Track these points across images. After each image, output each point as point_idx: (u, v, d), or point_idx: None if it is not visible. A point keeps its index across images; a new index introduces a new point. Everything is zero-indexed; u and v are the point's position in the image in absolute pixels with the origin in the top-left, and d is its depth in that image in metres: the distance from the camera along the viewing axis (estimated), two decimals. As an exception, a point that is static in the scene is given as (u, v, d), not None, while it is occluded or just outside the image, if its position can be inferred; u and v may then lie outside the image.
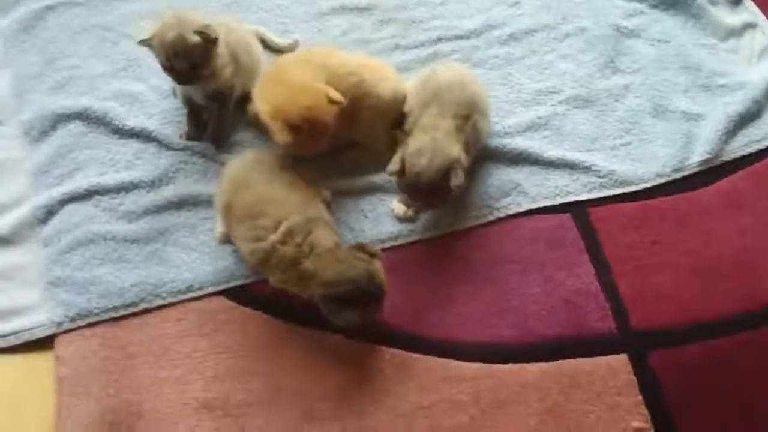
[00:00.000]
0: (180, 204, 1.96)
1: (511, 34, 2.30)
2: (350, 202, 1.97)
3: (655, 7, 2.37)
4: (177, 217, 1.95)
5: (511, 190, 1.99)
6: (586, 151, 2.07)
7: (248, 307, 1.83)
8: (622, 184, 2.01)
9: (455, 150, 1.82)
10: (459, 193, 1.84)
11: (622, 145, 2.09)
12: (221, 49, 1.93)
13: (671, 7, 2.36)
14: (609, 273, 1.87)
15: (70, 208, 1.94)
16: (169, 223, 1.93)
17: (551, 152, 2.05)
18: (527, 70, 2.22)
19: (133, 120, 2.08)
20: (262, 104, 1.85)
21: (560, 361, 1.75)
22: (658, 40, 2.30)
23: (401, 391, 1.72)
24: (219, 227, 1.88)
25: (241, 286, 1.85)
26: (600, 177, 2.01)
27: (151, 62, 2.15)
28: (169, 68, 1.91)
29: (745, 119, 2.12)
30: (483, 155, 2.01)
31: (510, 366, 1.75)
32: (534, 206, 1.97)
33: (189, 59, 1.88)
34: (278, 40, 2.24)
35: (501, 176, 2.01)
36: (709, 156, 2.05)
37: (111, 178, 1.98)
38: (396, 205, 1.95)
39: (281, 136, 1.80)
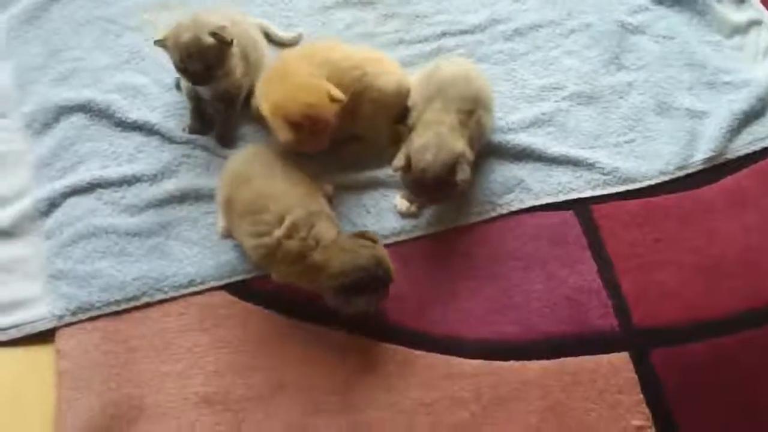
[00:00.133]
0: (182, 198, 1.96)
1: (516, 30, 2.29)
2: (352, 197, 1.97)
3: (660, 3, 2.36)
4: (179, 211, 1.94)
5: (515, 187, 1.98)
6: (590, 147, 2.06)
7: (249, 302, 1.83)
8: (625, 181, 2.00)
9: (460, 145, 1.82)
10: (464, 188, 1.83)
11: (626, 142, 2.08)
12: (234, 49, 1.93)
13: (676, 3, 2.35)
14: (611, 270, 1.87)
15: (72, 201, 1.94)
16: (171, 217, 1.93)
17: (555, 149, 2.04)
18: (531, 66, 2.21)
19: (135, 113, 2.07)
20: (263, 101, 1.85)
21: (562, 359, 1.75)
22: (663, 37, 2.28)
23: (403, 387, 1.71)
24: (221, 222, 1.88)
25: (242, 281, 1.85)
26: (603, 174, 2.01)
27: (154, 55, 2.17)
28: (183, 69, 1.90)
29: (749, 117, 2.11)
30: (486, 151, 2.01)
31: (511, 363, 1.75)
32: (537, 203, 1.97)
33: (203, 61, 1.87)
34: (282, 33, 2.23)
35: (504, 172, 2.01)
36: (714, 154, 2.05)
37: (113, 171, 1.98)
38: (399, 200, 1.94)
39: (282, 133, 1.80)
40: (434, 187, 1.80)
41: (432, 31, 2.28)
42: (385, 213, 1.94)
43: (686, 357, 1.75)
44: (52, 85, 2.14)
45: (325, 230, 1.72)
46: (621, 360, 1.74)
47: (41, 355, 1.76)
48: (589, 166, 2.02)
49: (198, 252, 1.88)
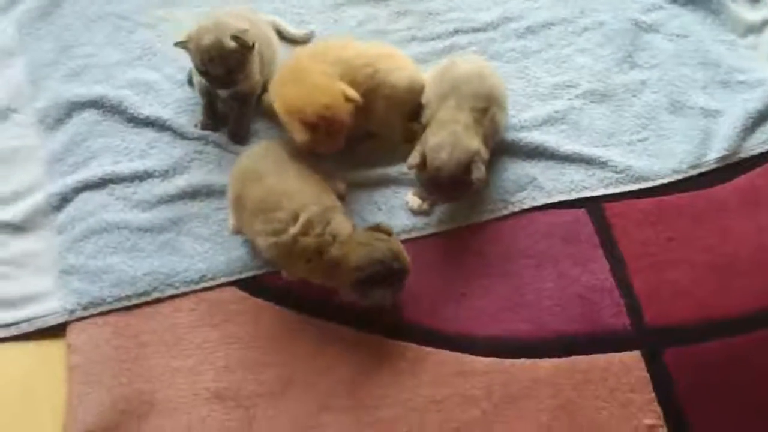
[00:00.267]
0: (194, 194, 1.96)
1: (528, 27, 2.28)
2: (364, 195, 1.97)
3: (674, 1, 2.35)
4: (190, 207, 1.94)
5: (527, 185, 1.97)
6: (603, 146, 2.05)
7: (260, 297, 1.82)
8: (638, 179, 1.99)
9: (475, 143, 1.81)
10: (479, 186, 1.83)
11: (639, 140, 2.07)
12: (254, 52, 1.93)
13: (690, 2, 2.34)
14: (624, 269, 1.86)
15: (84, 196, 1.94)
16: (183, 213, 1.93)
17: (567, 147, 2.03)
18: (544, 64, 2.21)
19: (147, 109, 2.07)
20: (278, 103, 1.86)
21: (573, 357, 1.74)
22: (677, 35, 2.27)
23: (414, 384, 1.71)
24: (232, 218, 1.88)
25: (253, 277, 1.85)
26: (616, 172, 2.00)
27: (166, 51, 2.17)
28: (205, 72, 1.90)
29: (763, 116, 2.10)
30: (499, 149, 2.00)
31: (523, 361, 1.74)
32: (549, 201, 1.96)
33: (225, 65, 1.88)
34: (294, 30, 2.23)
35: (517, 170, 2.00)
36: (727, 153, 2.03)
37: (125, 167, 1.99)
38: (411, 198, 1.94)
39: (298, 134, 1.80)
40: (449, 185, 1.80)
41: (444, 28, 2.28)
42: (397, 210, 1.94)
43: (699, 356, 1.74)
44: (64, 80, 2.14)
45: (341, 225, 1.72)
46: (633, 359, 1.73)
47: (52, 349, 1.77)
48: (602, 164, 2.01)
49: (209, 248, 1.88)
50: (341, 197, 1.88)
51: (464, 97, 1.87)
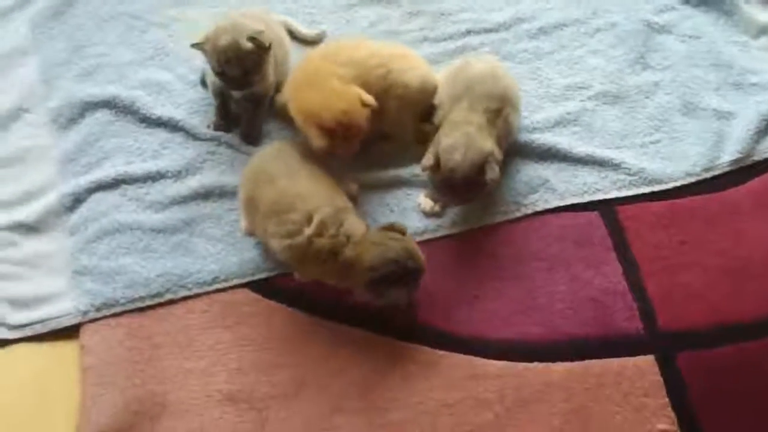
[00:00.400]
0: (206, 195, 1.96)
1: (541, 28, 2.27)
2: (376, 197, 1.96)
3: (686, 2, 2.34)
4: (203, 208, 1.94)
5: (539, 187, 1.97)
6: (616, 148, 2.05)
7: (273, 299, 1.83)
8: (651, 182, 1.99)
9: (488, 144, 1.81)
10: (492, 187, 1.82)
11: (652, 142, 2.06)
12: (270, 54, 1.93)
13: (703, 3, 2.33)
14: (637, 272, 1.85)
15: (97, 196, 1.95)
16: (195, 214, 1.93)
17: (580, 149, 2.03)
18: (556, 65, 2.20)
19: (160, 109, 2.07)
20: (295, 108, 1.86)
21: (586, 361, 1.74)
22: (689, 37, 2.27)
23: (426, 387, 1.71)
24: (244, 220, 1.88)
25: (265, 279, 1.85)
26: (629, 175, 1.99)
27: (178, 51, 2.17)
28: (221, 73, 1.90)
29: (777, 118, 2.09)
30: (511, 150, 1.99)
31: (535, 365, 1.74)
32: (562, 203, 1.96)
33: (242, 66, 1.87)
34: (305, 30, 2.23)
35: (529, 172, 2.00)
36: (740, 155, 2.03)
37: (138, 168, 1.99)
38: (423, 199, 1.94)
39: (316, 140, 1.80)
40: (463, 186, 1.80)
41: (456, 29, 2.27)
42: (409, 212, 1.94)
43: (712, 361, 1.74)
44: (77, 80, 2.14)
45: (355, 226, 1.72)
46: (646, 363, 1.73)
47: (66, 350, 1.77)
48: (615, 166, 2.00)
49: (221, 249, 1.89)
50: (353, 199, 1.88)
51: (478, 98, 1.86)
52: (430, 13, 2.30)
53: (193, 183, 1.97)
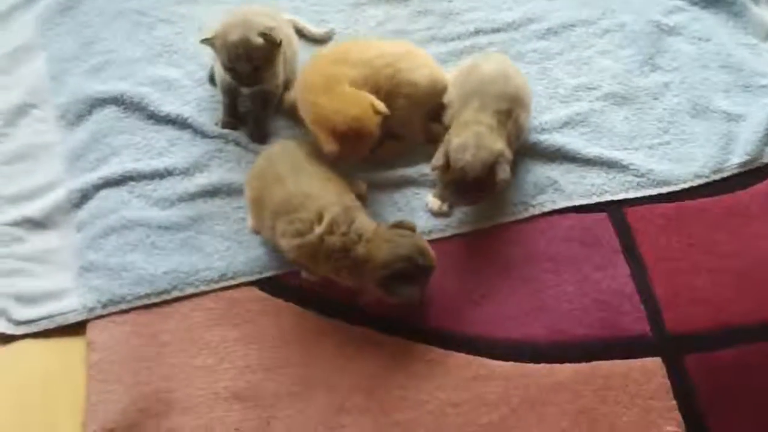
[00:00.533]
0: (214, 192, 1.96)
1: (550, 29, 2.27)
2: (384, 196, 1.96)
3: (695, 4, 2.33)
4: (210, 206, 1.94)
5: (547, 187, 1.97)
6: (624, 149, 2.04)
7: (280, 298, 1.82)
8: (659, 184, 1.98)
9: (499, 144, 1.80)
10: (502, 188, 1.82)
11: (661, 144, 2.06)
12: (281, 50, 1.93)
13: (712, 5, 2.33)
14: (645, 274, 1.85)
15: (105, 193, 1.94)
16: (203, 211, 1.93)
17: (588, 150, 2.02)
18: (565, 65, 2.20)
19: (168, 106, 2.07)
20: (306, 112, 1.86)
21: (593, 363, 1.73)
22: (699, 38, 2.26)
23: (433, 387, 1.70)
24: (251, 219, 1.87)
25: (273, 277, 1.85)
26: (637, 176, 1.99)
27: (186, 48, 2.16)
28: (231, 69, 1.90)
29: (786, 121, 2.09)
30: (519, 151, 1.98)
31: (542, 366, 1.73)
32: (570, 204, 1.95)
33: (252, 61, 1.87)
34: (313, 29, 2.22)
35: (537, 173, 1.99)
36: (749, 158, 2.02)
37: (145, 165, 1.98)
38: (431, 199, 1.93)
39: (327, 145, 1.80)
40: (473, 186, 1.79)
41: (465, 28, 2.27)
42: (417, 212, 1.93)
43: (719, 363, 1.73)
44: (85, 76, 2.14)
45: (365, 223, 1.72)
46: (654, 365, 1.72)
47: (72, 346, 1.77)
48: (623, 167, 2.00)
49: (229, 247, 1.88)
50: (362, 198, 1.87)
51: (488, 98, 1.86)
52: (439, 13, 2.30)
53: (200, 180, 1.97)
